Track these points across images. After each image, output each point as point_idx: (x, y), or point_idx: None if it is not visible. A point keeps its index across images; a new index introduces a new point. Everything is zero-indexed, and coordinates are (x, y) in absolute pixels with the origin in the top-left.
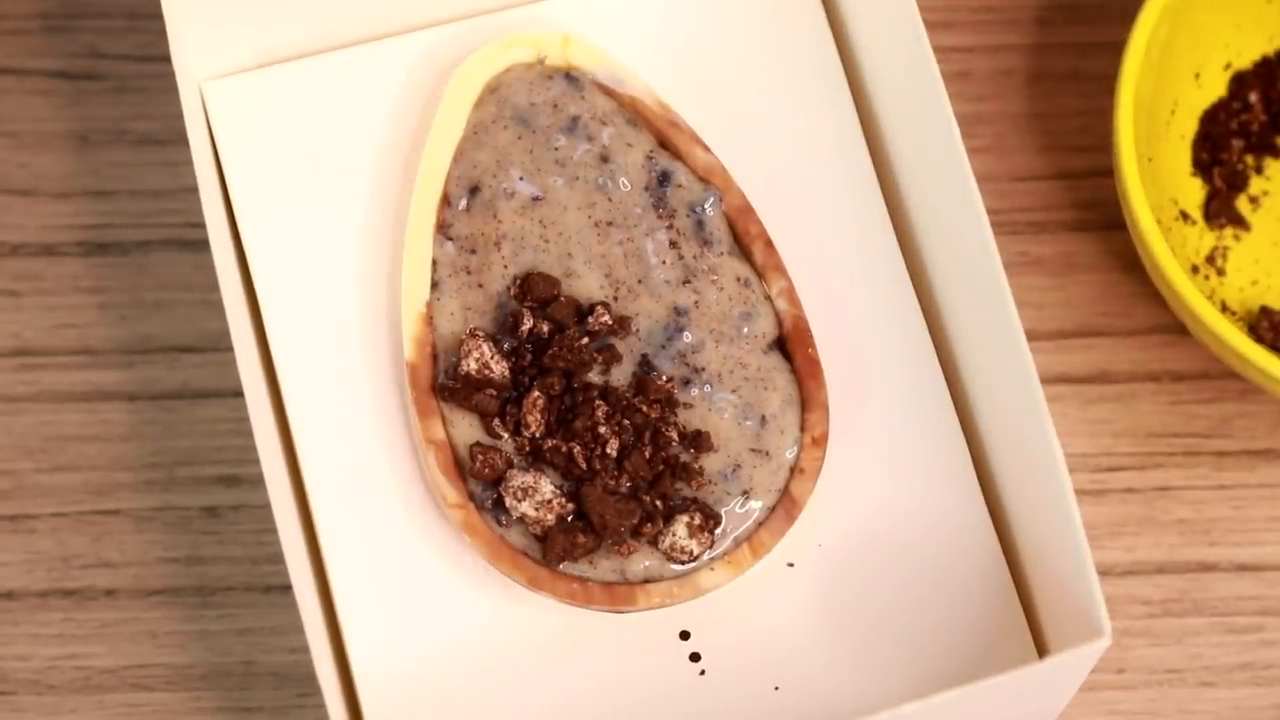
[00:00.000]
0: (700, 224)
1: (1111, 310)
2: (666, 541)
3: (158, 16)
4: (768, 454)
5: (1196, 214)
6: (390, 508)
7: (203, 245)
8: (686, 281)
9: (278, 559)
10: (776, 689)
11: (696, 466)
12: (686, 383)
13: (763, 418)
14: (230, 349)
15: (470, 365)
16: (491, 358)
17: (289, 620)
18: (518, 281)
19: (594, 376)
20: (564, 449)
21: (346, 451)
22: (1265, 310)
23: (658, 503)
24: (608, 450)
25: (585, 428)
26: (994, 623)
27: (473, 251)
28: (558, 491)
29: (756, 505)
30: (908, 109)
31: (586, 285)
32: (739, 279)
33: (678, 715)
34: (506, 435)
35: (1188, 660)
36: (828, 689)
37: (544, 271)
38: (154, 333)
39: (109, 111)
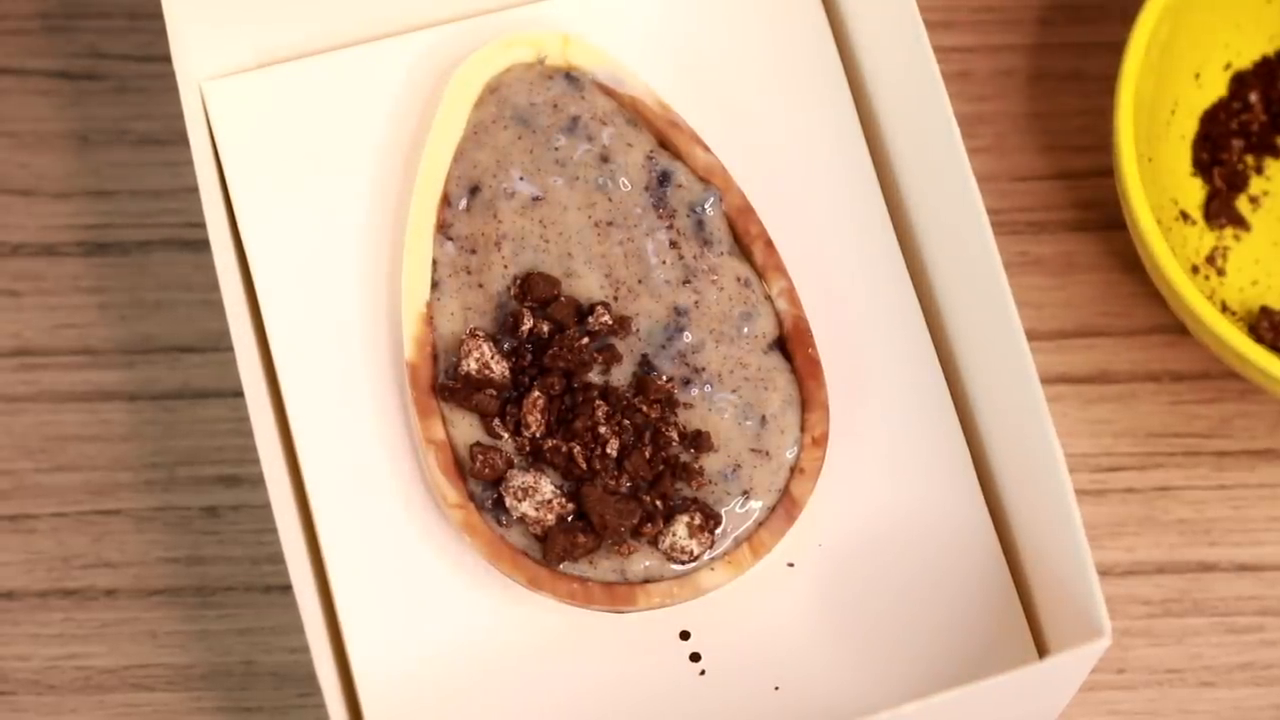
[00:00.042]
0: (700, 224)
1: (1112, 310)
2: (666, 541)
3: (158, 16)
4: (768, 454)
5: (1196, 214)
6: (390, 508)
7: (203, 245)
8: (686, 281)
9: (278, 559)
10: (776, 689)
11: (696, 466)
12: (687, 383)
13: (763, 418)
14: (230, 349)
15: (470, 365)
16: (491, 358)
17: (289, 620)
18: (518, 281)
19: (594, 376)
20: (564, 449)
21: (347, 451)
22: (1265, 310)
23: (658, 503)
24: (608, 450)
25: (585, 428)
26: (994, 623)
27: (473, 251)
28: (558, 491)
29: (757, 505)
30: (908, 109)
31: (586, 285)
32: (739, 279)
33: (678, 715)
34: (506, 435)
35: (1188, 660)
36: (828, 689)
37: (544, 271)
38: (154, 333)
39: (109, 111)
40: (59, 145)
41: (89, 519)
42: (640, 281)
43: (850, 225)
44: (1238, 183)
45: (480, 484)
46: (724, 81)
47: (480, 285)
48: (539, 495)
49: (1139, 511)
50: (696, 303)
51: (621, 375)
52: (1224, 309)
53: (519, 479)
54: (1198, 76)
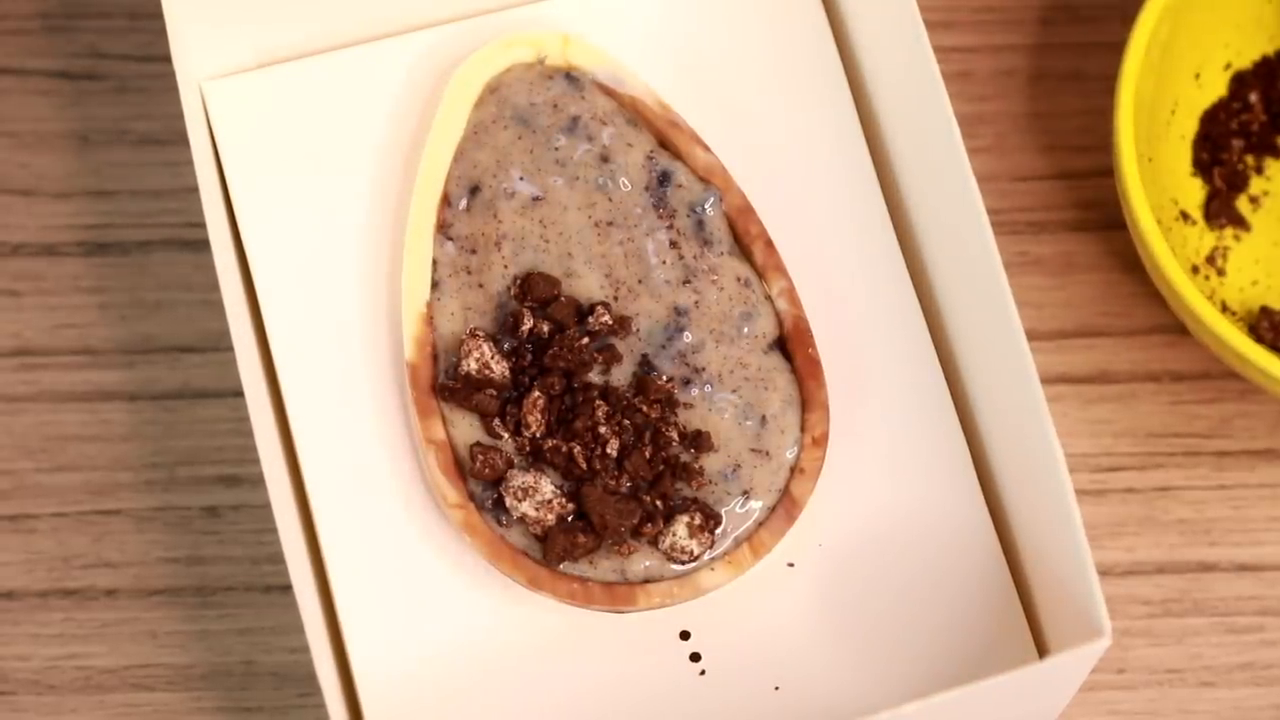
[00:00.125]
0: (700, 224)
1: (1112, 310)
2: (667, 541)
3: (158, 16)
4: (768, 454)
5: (1197, 214)
6: (390, 508)
7: (203, 245)
8: (687, 281)
9: (278, 559)
10: (776, 689)
11: (697, 466)
12: (687, 383)
13: (763, 418)
14: (230, 349)
15: (470, 365)
16: (492, 358)
17: (289, 620)
18: (518, 281)
19: (594, 376)
20: (564, 449)
21: (347, 451)
22: (1265, 310)
23: (658, 503)
24: (608, 450)
25: (585, 428)
26: (994, 623)
27: (473, 251)
28: (558, 491)
29: (757, 505)
30: (908, 109)
31: (586, 285)
32: (739, 279)
33: (678, 715)
34: (507, 435)
35: (1188, 660)
36: (828, 689)
37: (544, 271)
38: (154, 333)
39: (109, 111)
40: (59, 145)
41: (89, 519)
42: (640, 281)
43: (850, 225)
44: (1238, 183)
45: (480, 484)
46: (724, 81)
47: (480, 285)
48: (539, 495)
49: (1139, 511)
50: (696, 303)
51: (621, 375)
52: (1224, 309)
53: (519, 479)
54: (1198, 76)
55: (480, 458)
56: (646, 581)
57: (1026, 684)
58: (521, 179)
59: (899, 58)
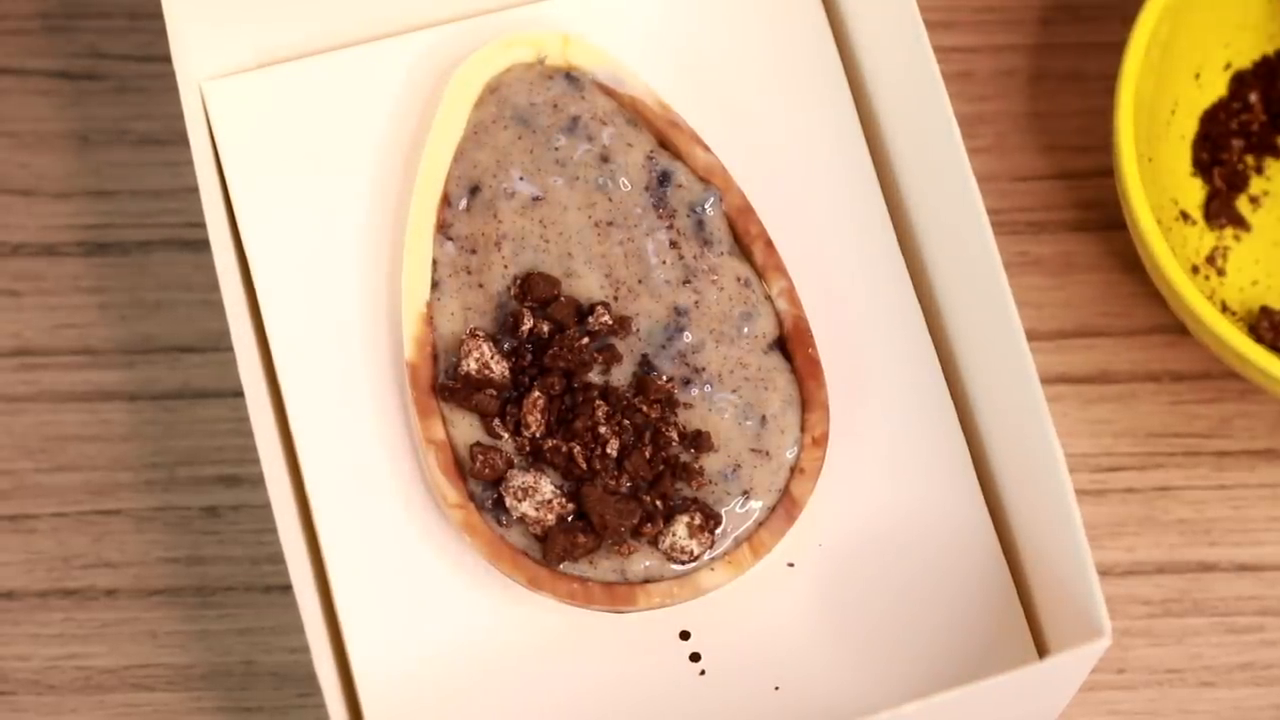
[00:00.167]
0: (700, 224)
1: (1111, 310)
2: (666, 541)
3: (158, 16)
4: (768, 454)
5: (1196, 214)
6: (390, 508)
7: (203, 245)
8: (687, 281)
9: (278, 559)
10: (776, 689)
11: (696, 466)
12: (687, 383)
13: (763, 418)
14: (230, 349)
15: (470, 365)
16: (491, 358)
17: (289, 620)
18: (518, 281)
19: (594, 376)
20: (564, 449)
21: (346, 451)
22: (1265, 310)
23: (658, 503)
24: (608, 450)
25: (585, 428)
26: (994, 623)
27: (473, 251)
28: (558, 491)
29: (757, 505)
30: (908, 109)
31: (586, 285)
32: (739, 279)
33: (678, 715)
34: (506, 435)
35: (1188, 660)
36: (828, 689)
37: (544, 271)
38: (154, 333)
39: (109, 111)
40: (59, 145)
41: (89, 519)
42: (640, 281)
43: (850, 225)
44: (1238, 183)
45: (480, 484)
46: (724, 81)
47: (480, 285)
48: (539, 495)
49: (1139, 511)
50: (696, 303)
51: (621, 375)
52: (1224, 309)
53: (519, 479)
54: (1198, 76)
55: (480, 458)
56: (646, 581)
57: (1026, 684)
58: (521, 179)
59: (899, 58)
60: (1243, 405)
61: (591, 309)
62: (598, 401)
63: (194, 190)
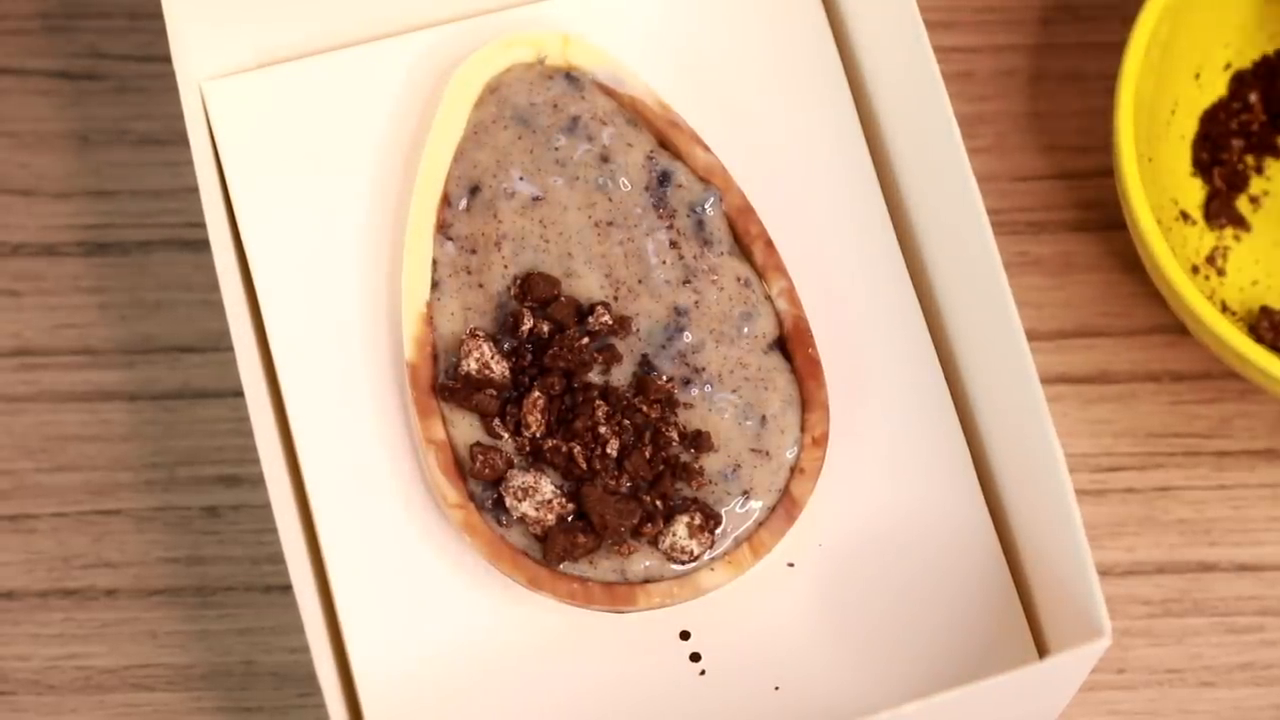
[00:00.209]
0: (700, 224)
1: (1111, 310)
2: (666, 541)
3: (158, 16)
4: (768, 454)
5: (1196, 214)
6: (390, 508)
7: (203, 245)
8: (687, 281)
9: (278, 559)
10: (776, 689)
11: (696, 466)
12: (687, 383)
13: (763, 418)
14: (230, 349)
15: (470, 365)
16: (491, 358)
17: (289, 620)
18: (518, 281)
19: (594, 376)
20: (564, 449)
21: (346, 451)
22: (1265, 310)
23: (658, 503)
24: (608, 450)
25: (585, 428)
26: (994, 623)
27: (473, 251)
28: (558, 491)
29: (757, 505)
30: (908, 109)
31: (586, 285)
32: (739, 279)
33: (678, 715)
34: (507, 435)
35: (1188, 660)
36: (828, 689)
37: (544, 271)
38: (154, 333)
39: (109, 111)
40: (59, 145)
41: (89, 519)
42: (640, 281)
43: (850, 225)
44: (1238, 183)
45: (480, 484)
46: (724, 81)
47: (480, 285)
48: (539, 495)
49: (1139, 511)
50: (696, 303)
51: (621, 375)
52: (1224, 309)
53: (519, 479)
54: (1198, 76)
55: (480, 458)
56: (646, 581)
57: (1026, 684)
58: (521, 179)
59: (899, 58)
60: (1243, 405)
61: (591, 309)
62: (598, 401)
63: (194, 190)
